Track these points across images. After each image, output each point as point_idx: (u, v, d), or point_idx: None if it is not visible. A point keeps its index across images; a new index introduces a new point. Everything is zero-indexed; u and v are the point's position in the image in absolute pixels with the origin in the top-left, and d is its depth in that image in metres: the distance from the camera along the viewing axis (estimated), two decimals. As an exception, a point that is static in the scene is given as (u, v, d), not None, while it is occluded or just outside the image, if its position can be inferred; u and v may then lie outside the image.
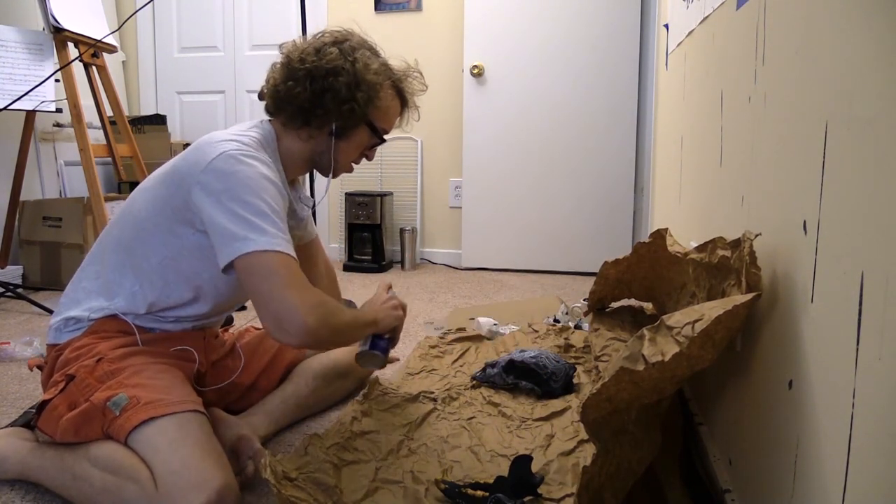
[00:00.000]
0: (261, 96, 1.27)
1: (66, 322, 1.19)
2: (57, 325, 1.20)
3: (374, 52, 1.27)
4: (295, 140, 1.25)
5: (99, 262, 1.22)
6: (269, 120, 1.27)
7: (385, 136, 1.31)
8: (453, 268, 3.37)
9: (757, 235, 0.87)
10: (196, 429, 1.03)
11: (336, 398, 1.48)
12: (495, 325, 1.97)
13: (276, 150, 1.24)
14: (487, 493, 0.98)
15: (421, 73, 1.33)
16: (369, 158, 1.34)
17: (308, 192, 1.48)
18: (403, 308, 1.35)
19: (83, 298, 1.20)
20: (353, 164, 1.31)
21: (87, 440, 1.06)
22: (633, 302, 1.68)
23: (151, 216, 1.17)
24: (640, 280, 1.51)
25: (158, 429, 1.01)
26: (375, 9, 3.39)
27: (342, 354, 1.47)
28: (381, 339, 1.28)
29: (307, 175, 1.34)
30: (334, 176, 1.31)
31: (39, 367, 1.24)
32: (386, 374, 1.66)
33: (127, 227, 1.21)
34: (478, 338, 1.88)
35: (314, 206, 1.47)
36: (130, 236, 1.19)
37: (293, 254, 1.09)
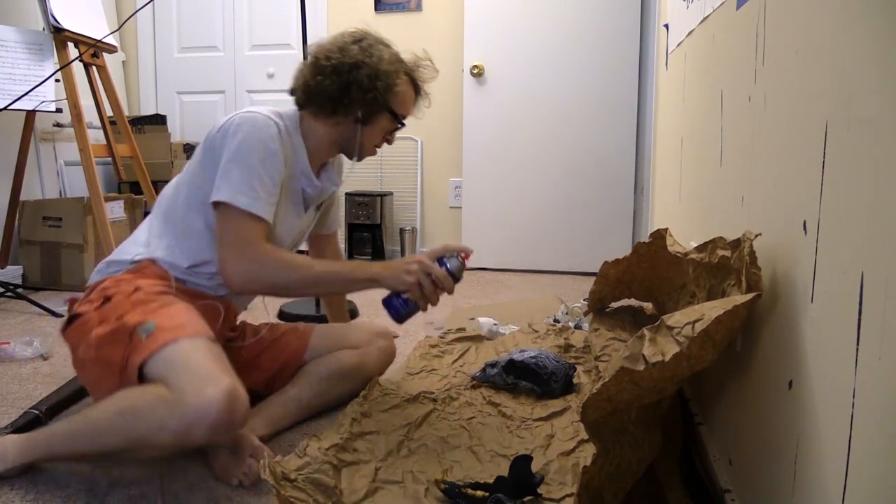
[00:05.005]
0: (292, 92, 1.41)
1: (109, 264, 1.33)
2: (99, 268, 1.34)
3: (388, 47, 1.40)
4: (324, 127, 1.39)
5: (146, 229, 1.37)
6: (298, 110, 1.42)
7: (405, 122, 1.44)
8: (453, 268, 3.36)
9: (757, 235, 0.87)
10: (211, 347, 1.13)
11: (339, 401, 1.47)
12: (495, 325, 1.97)
13: (298, 127, 1.38)
14: (487, 493, 0.98)
15: (431, 62, 1.45)
16: (389, 143, 1.47)
17: (338, 175, 1.58)
18: (435, 278, 1.26)
19: (126, 250, 1.34)
20: (375, 148, 1.45)
21: (102, 360, 1.14)
22: (633, 302, 1.68)
23: (194, 181, 1.32)
24: (640, 280, 1.51)
25: (177, 347, 1.10)
26: (375, 9, 3.39)
27: (347, 358, 1.47)
28: (395, 298, 1.29)
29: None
30: (359, 159, 1.45)
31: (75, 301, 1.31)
32: (386, 374, 1.66)
33: (170, 197, 1.36)
34: (478, 338, 1.88)
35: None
36: (174, 204, 1.34)
37: (262, 214, 1.24)
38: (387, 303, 1.31)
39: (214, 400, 1.01)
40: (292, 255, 1.32)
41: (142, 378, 1.11)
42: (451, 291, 1.28)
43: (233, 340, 1.46)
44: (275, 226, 1.32)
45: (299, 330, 1.52)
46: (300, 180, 1.39)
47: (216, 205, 1.24)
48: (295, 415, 1.39)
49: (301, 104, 1.39)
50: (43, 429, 1.18)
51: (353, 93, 1.33)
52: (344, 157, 1.52)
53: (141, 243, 1.34)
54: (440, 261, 1.29)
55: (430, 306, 1.29)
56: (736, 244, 0.91)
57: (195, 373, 1.05)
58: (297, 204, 1.41)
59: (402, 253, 3.32)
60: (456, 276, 1.28)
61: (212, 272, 1.31)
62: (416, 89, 1.44)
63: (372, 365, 1.51)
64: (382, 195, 3.32)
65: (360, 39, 1.37)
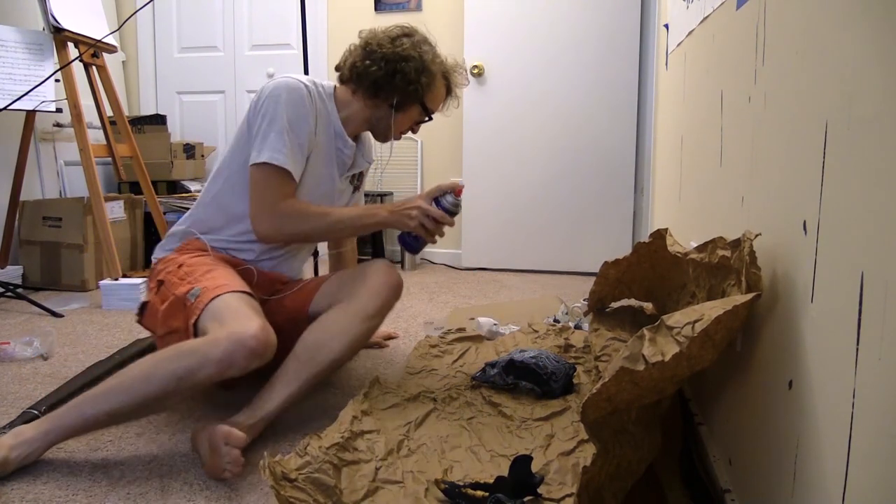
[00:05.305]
0: (338, 68, 1.56)
1: (168, 239, 1.54)
2: (161, 243, 1.55)
3: (433, 47, 1.54)
4: (360, 104, 1.53)
5: (196, 202, 1.56)
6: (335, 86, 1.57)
7: (432, 116, 1.59)
8: (453, 268, 3.37)
9: (757, 235, 0.87)
10: (248, 299, 1.31)
11: (336, 362, 1.37)
12: (495, 325, 1.97)
13: (332, 95, 1.53)
14: (487, 493, 0.98)
15: (466, 70, 1.63)
16: (414, 132, 1.62)
17: (370, 155, 1.71)
18: (431, 215, 1.40)
19: (178, 222, 1.55)
20: (401, 134, 1.59)
21: (171, 331, 1.32)
22: (633, 302, 1.68)
23: (237, 145, 1.46)
24: (640, 280, 1.51)
25: (219, 300, 1.27)
26: (375, 9, 3.39)
27: (331, 317, 1.39)
28: (406, 235, 1.47)
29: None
30: (384, 140, 1.60)
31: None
32: (386, 374, 1.66)
33: (216, 167, 1.52)
34: (478, 338, 1.88)
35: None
36: (219, 171, 1.50)
37: (287, 166, 1.38)
38: (400, 239, 1.50)
39: (251, 330, 1.17)
40: (310, 207, 1.45)
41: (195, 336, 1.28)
42: (452, 225, 1.44)
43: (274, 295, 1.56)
44: (305, 179, 1.46)
45: (314, 282, 1.57)
46: (334, 140, 1.52)
47: (252, 166, 1.39)
48: (280, 391, 1.28)
49: (343, 80, 1.54)
50: (68, 402, 1.21)
51: (397, 81, 1.47)
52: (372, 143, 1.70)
53: (188, 214, 1.54)
54: (437, 200, 1.43)
55: (438, 237, 1.46)
56: (736, 244, 0.91)
57: (235, 315, 1.22)
58: (330, 164, 1.53)
59: (402, 253, 3.32)
60: (452, 212, 1.43)
61: (246, 230, 1.46)
62: (448, 90, 1.58)
63: (369, 307, 1.40)
64: (382, 195, 3.32)
65: (411, 35, 1.53)
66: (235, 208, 1.48)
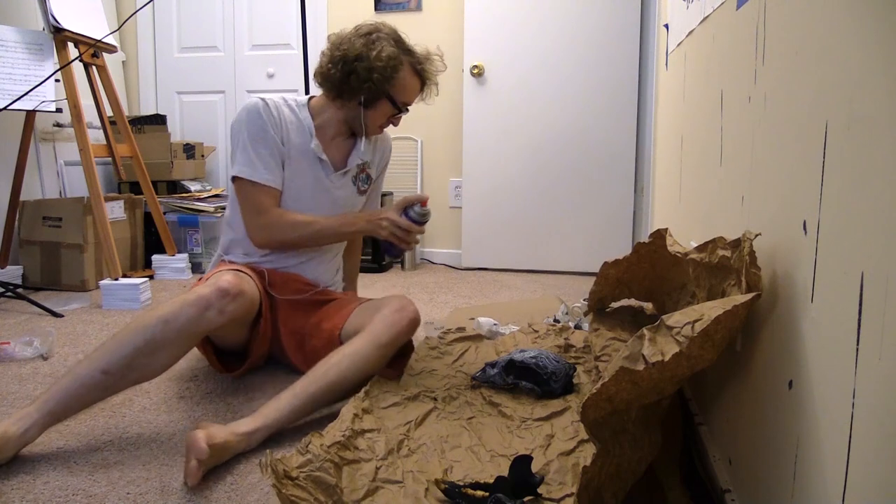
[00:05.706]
0: (314, 75, 1.64)
1: (211, 265, 1.74)
2: (207, 271, 1.69)
3: (397, 42, 1.57)
4: (333, 107, 1.63)
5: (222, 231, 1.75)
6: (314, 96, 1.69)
7: (407, 108, 1.64)
8: (453, 268, 3.37)
9: (757, 235, 0.87)
10: (234, 270, 1.44)
11: (347, 384, 1.37)
12: (495, 325, 1.97)
13: (306, 105, 1.64)
14: (487, 493, 0.98)
15: (441, 57, 1.64)
16: (395, 124, 1.69)
17: (362, 153, 1.75)
18: (400, 226, 1.53)
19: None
20: (381, 128, 1.68)
21: None
22: (633, 302, 1.68)
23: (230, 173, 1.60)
24: (640, 280, 1.51)
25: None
26: (375, 9, 3.39)
27: (347, 347, 1.41)
28: (384, 242, 1.60)
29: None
30: (366, 136, 1.68)
31: None
32: (386, 373, 1.66)
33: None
34: (478, 338, 1.88)
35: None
36: (229, 199, 1.67)
37: (262, 181, 1.54)
38: (381, 245, 1.64)
39: (226, 276, 1.36)
40: (296, 216, 1.58)
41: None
42: (421, 233, 1.58)
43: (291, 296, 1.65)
44: (292, 183, 1.58)
45: (347, 307, 1.61)
46: (311, 141, 1.60)
47: (232, 181, 1.57)
48: (286, 402, 1.30)
49: (318, 84, 1.63)
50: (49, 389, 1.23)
51: (352, 82, 1.54)
52: (384, 139, 1.81)
53: (221, 241, 1.73)
54: (405, 211, 1.55)
55: (413, 244, 1.59)
56: (736, 244, 0.91)
57: (214, 274, 1.40)
58: (313, 166, 1.62)
59: (403, 254, 3.32)
60: (419, 222, 1.55)
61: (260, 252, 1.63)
62: (422, 80, 1.61)
63: (383, 336, 1.43)
64: (382, 195, 3.32)
65: (370, 33, 1.56)
66: (239, 225, 1.63)
